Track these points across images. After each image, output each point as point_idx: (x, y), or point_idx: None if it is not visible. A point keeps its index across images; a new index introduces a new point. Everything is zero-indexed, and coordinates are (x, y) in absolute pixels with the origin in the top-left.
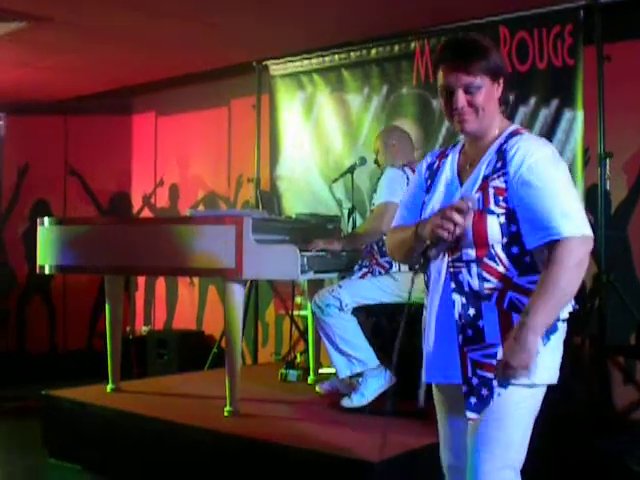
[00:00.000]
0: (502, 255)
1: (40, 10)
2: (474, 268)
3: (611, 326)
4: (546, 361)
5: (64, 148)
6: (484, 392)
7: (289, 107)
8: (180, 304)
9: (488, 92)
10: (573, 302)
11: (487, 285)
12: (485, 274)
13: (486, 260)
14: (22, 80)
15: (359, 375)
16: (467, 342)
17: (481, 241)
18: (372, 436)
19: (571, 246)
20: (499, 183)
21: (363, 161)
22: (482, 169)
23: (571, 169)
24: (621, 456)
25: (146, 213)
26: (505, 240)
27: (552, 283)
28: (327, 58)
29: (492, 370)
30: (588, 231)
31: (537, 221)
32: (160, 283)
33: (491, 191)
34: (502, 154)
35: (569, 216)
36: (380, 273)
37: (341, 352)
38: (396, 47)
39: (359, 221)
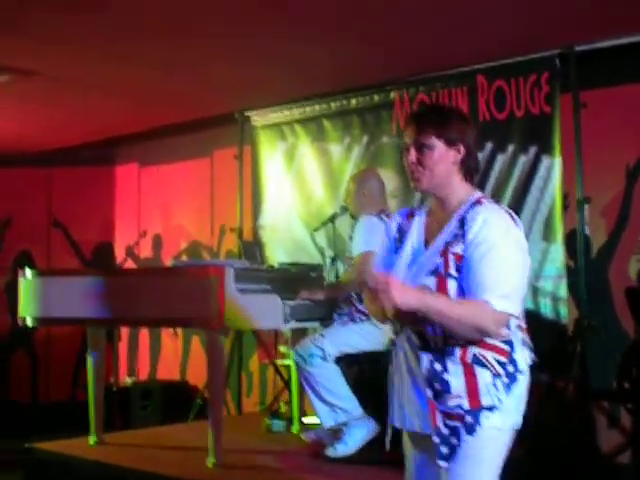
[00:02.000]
0: None
1: (26, 64)
2: (438, 328)
3: (594, 370)
4: (510, 408)
5: (48, 199)
6: (454, 441)
7: (271, 157)
8: (164, 354)
9: (440, 155)
10: (533, 355)
11: (451, 342)
12: (448, 332)
13: None
14: (4, 132)
15: (344, 424)
16: (435, 395)
17: None
18: None
19: (496, 314)
20: (458, 250)
21: (344, 210)
22: (445, 236)
23: (550, 215)
24: None
25: (129, 264)
26: None
27: (467, 311)
28: (308, 108)
29: (459, 420)
30: (510, 310)
31: (472, 288)
32: (144, 333)
33: (451, 257)
34: (463, 222)
35: (494, 291)
36: (361, 320)
37: (325, 402)
38: (375, 97)
39: (342, 269)
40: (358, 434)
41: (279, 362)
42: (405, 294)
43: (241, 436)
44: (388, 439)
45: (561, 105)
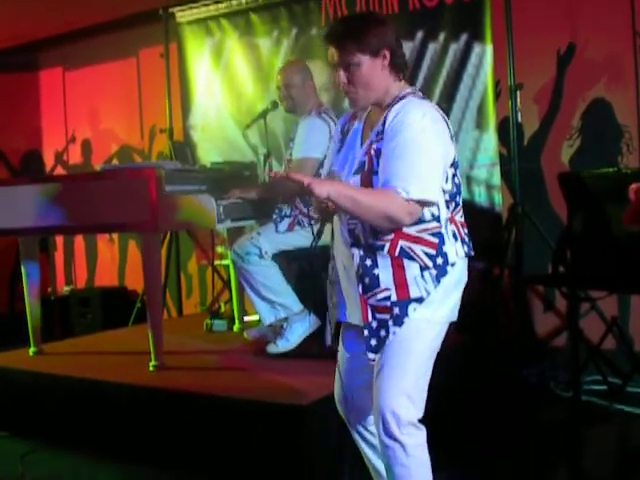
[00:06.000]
0: None
1: None
2: (367, 223)
3: (529, 256)
4: (439, 300)
5: None
6: (382, 333)
7: (198, 54)
8: (100, 261)
9: (369, 68)
10: (466, 248)
11: (379, 237)
12: (377, 228)
13: None
14: None
15: (284, 320)
16: (365, 290)
17: None
18: (299, 380)
19: (406, 203)
20: (379, 146)
21: (275, 105)
22: (371, 134)
23: (483, 103)
24: (546, 382)
25: (59, 170)
26: None
27: (376, 199)
28: (234, 2)
29: (388, 312)
30: (420, 196)
31: (384, 177)
32: (79, 241)
33: (373, 153)
34: (384, 119)
35: (403, 179)
36: (309, 224)
37: (264, 299)
38: None
39: (275, 166)
40: (299, 329)
41: (217, 262)
42: (317, 186)
43: (183, 338)
44: (329, 333)
45: None
